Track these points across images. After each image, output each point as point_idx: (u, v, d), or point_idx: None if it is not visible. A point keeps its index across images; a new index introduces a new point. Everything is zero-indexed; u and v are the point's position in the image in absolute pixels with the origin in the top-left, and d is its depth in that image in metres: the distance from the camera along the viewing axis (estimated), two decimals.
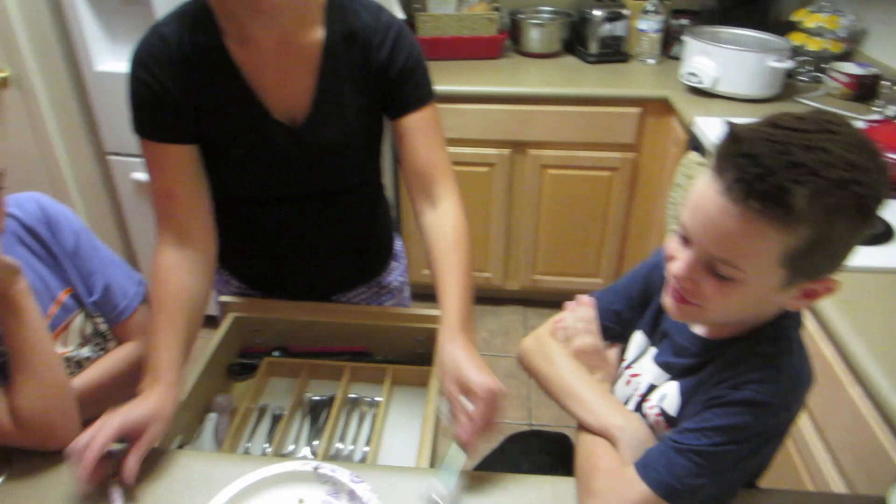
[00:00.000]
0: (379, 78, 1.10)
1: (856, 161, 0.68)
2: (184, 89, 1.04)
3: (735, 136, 0.72)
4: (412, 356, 1.26)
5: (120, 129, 2.30)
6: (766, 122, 0.73)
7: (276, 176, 1.15)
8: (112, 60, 2.23)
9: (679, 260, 0.79)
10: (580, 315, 1.05)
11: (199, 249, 1.12)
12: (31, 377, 0.92)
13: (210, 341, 1.22)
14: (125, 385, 1.11)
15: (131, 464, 0.86)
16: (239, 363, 1.26)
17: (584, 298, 1.07)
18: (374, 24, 1.09)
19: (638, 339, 1.02)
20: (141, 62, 1.04)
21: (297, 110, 1.09)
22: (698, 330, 0.90)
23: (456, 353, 0.96)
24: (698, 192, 0.75)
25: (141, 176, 2.34)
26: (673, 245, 0.81)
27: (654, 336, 0.99)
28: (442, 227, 1.13)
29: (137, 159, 2.30)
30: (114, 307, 1.11)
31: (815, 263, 0.73)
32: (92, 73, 2.21)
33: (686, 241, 0.78)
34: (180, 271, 1.07)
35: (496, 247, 2.63)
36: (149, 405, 0.92)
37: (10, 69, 2.30)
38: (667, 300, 0.84)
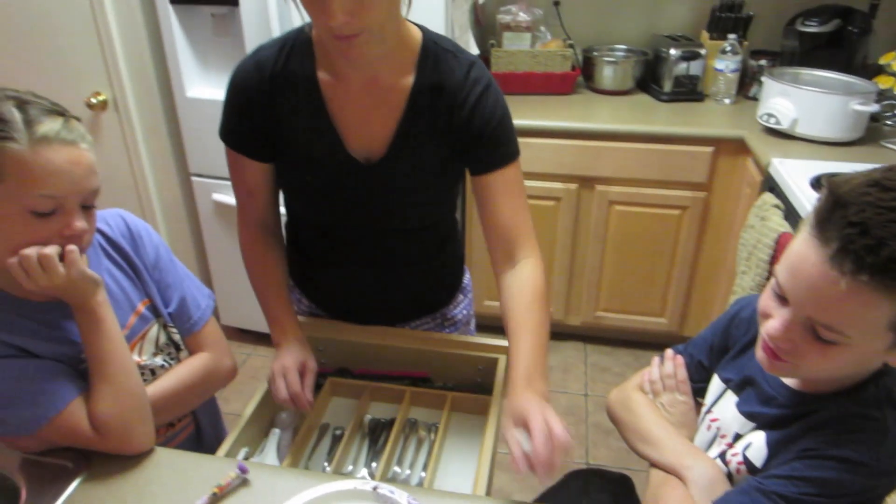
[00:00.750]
0: (461, 134, 1.10)
1: None
2: (270, 112, 1.10)
3: (839, 199, 0.68)
4: (472, 385, 1.27)
5: (205, 151, 2.42)
6: (871, 181, 0.68)
7: (347, 209, 1.18)
8: (202, 87, 2.37)
9: (775, 319, 0.76)
10: (668, 371, 1.04)
11: (276, 236, 1.28)
12: (108, 385, 0.97)
13: None
14: (197, 394, 1.16)
15: (307, 390, 1.12)
16: None
17: (670, 353, 1.07)
18: (463, 80, 1.08)
19: (716, 383, 1.00)
20: (238, 79, 1.12)
21: (373, 149, 1.11)
22: (790, 381, 0.86)
23: (522, 402, 0.92)
24: (797, 254, 0.72)
25: (221, 197, 2.45)
26: (769, 302, 0.78)
27: (735, 382, 0.96)
28: (520, 288, 1.11)
29: (219, 181, 2.43)
30: (187, 318, 1.16)
31: None
32: (183, 99, 2.35)
33: (783, 299, 0.75)
34: (268, 249, 1.25)
35: (559, 281, 2.61)
36: (296, 351, 1.17)
37: (109, 93, 2.47)
38: (759, 354, 0.81)
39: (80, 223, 0.92)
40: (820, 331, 0.71)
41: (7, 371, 0.93)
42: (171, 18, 2.23)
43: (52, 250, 0.89)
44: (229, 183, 1.22)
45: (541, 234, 2.48)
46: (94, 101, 2.45)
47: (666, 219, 2.41)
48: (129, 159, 2.58)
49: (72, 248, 0.91)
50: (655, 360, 1.07)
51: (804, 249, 0.71)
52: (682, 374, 1.03)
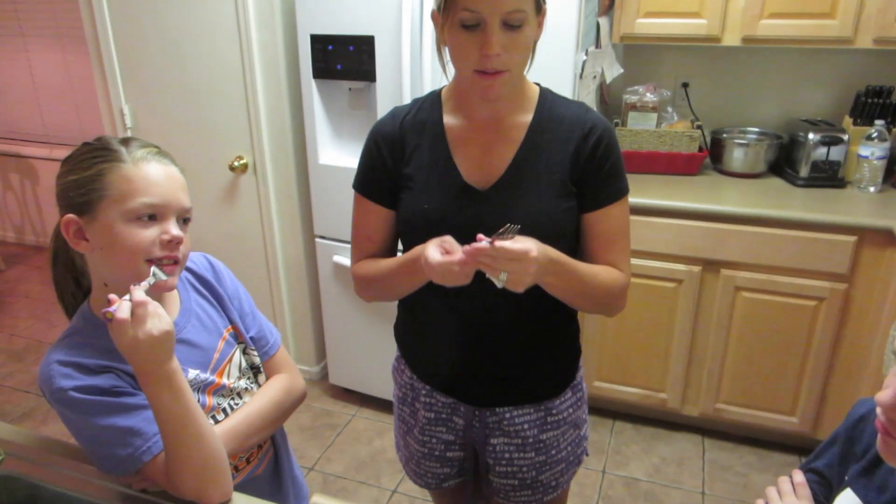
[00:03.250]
0: (581, 166, 1.17)
1: None
2: (399, 152, 1.23)
3: None
4: None
5: (331, 215, 2.54)
6: None
7: (461, 241, 1.12)
8: (335, 154, 2.51)
9: (890, 388, 0.72)
10: (786, 490, 0.96)
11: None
12: (183, 453, 0.97)
13: None
14: (283, 411, 1.22)
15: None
16: None
17: (799, 479, 0.98)
18: (584, 116, 1.19)
19: (849, 498, 0.90)
20: (376, 127, 1.28)
21: (489, 178, 1.18)
22: None
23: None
24: None
25: (341, 259, 2.55)
26: (891, 376, 0.74)
27: (872, 493, 0.86)
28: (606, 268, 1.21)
29: (340, 243, 2.54)
30: (265, 343, 1.25)
31: None
32: (316, 165, 2.49)
33: None
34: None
35: (676, 367, 2.48)
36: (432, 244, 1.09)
37: (250, 157, 2.67)
38: (878, 438, 0.77)
39: (176, 230, 1.01)
40: None
41: (106, 411, 0.97)
42: (312, 91, 2.40)
43: (123, 313, 0.90)
44: (349, 245, 1.29)
45: (659, 316, 2.41)
46: (236, 164, 2.65)
47: (800, 309, 2.24)
48: (260, 218, 2.75)
49: (141, 300, 0.92)
50: (781, 480, 0.99)
51: None
52: (805, 492, 0.94)
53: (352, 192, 1.30)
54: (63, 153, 4.17)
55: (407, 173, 1.23)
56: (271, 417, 1.18)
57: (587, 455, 1.47)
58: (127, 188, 0.98)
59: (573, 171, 1.17)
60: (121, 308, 0.90)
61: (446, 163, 1.20)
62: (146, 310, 0.90)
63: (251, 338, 1.23)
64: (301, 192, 2.70)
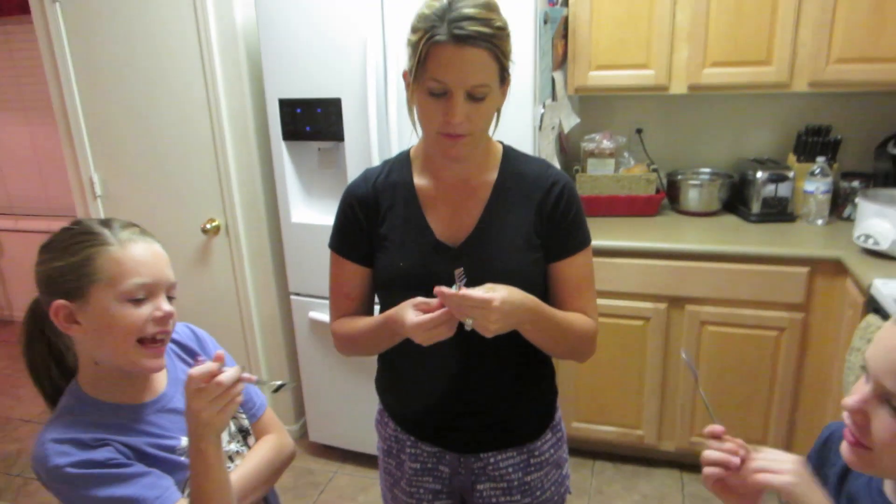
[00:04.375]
0: (545, 219, 1.25)
1: None
2: (374, 213, 1.29)
3: None
4: None
5: (305, 272, 2.58)
6: None
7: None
8: (306, 212, 2.56)
9: (856, 394, 0.78)
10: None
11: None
12: None
13: None
14: (275, 470, 1.25)
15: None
16: None
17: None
18: (545, 172, 1.28)
19: None
20: (349, 189, 1.34)
21: (460, 235, 1.25)
22: (892, 495, 0.84)
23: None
24: (884, 331, 0.77)
25: (317, 315, 2.57)
26: (857, 385, 0.80)
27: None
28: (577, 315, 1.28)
29: (316, 299, 2.57)
30: (252, 405, 1.28)
31: None
32: (288, 224, 2.54)
33: (867, 377, 0.78)
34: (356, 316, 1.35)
35: (650, 404, 2.54)
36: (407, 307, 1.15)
37: (222, 219, 2.70)
38: (843, 446, 0.82)
39: (168, 306, 1.07)
40: (892, 400, 0.73)
41: (105, 482, 1.00)
42: (282, 153, 2.46)
43: (231, 384, 0.99)
44: (325, 301, 1.35)
45: (630, 355, 2.48)
46: (208, 226, 2.68)
47: (763, 340, 2.34)
48: (234, 278, 2.77)
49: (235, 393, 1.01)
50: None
51: (891, 326, 0.76)
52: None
53: (325, 248, 1.36)
54: (28, 224, 4.14)
55: (382, 233, 1.28)
56: (264, 477, 1.21)
57: (570, 493, 1.50)
58: (118, 270, 1.02)
59: (538, 224, 1.25)
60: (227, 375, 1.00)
61: (419, 222, 1.26)
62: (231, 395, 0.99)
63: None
64: (274, 251, 2.74)
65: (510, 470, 1.36)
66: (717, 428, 0.95)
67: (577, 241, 1.27)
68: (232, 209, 2.66)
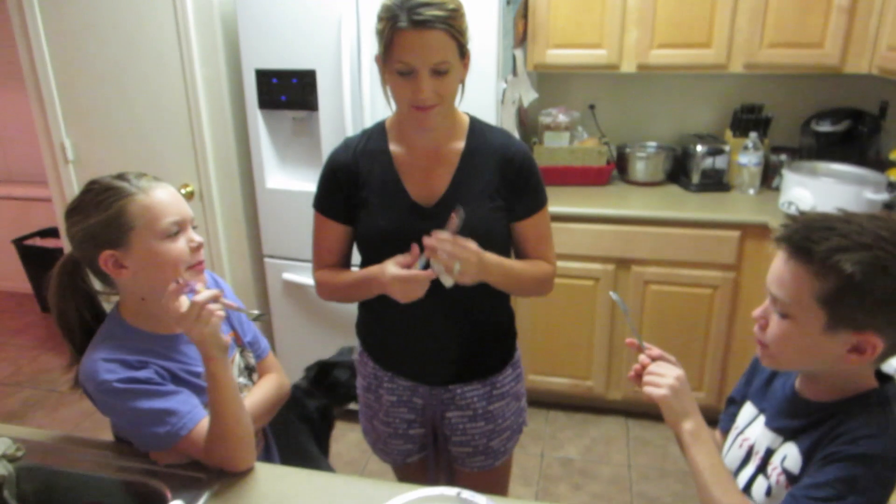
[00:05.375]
0: (508, 183, 1.42)
1: (886, 236, 0.88)
2: (354, 177, 1.44)
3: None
4: None
5: (278, 235, 2.71)
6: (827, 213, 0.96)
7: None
8: (281, 178, 2.69)
9: (760, 307, 1.03)
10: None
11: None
12: (221, 428, 1.17)
13: None
14: (275, 404, 1.42)
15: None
16: None
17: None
18: (508, 142, 1.46)
19: (748, 408, 1.18)
20: (332, 156, 1.49)
21: (433, 197, 1.41)
22: (805, 394, 1.05)
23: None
24: (776, 258, 0.99)
25: (291, 276, 2.71)
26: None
27: (763, 403, 1.14)
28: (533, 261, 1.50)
29: (290, 261, 2.71)
30: (258, 346, 1.45)
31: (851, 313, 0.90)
32: (263, 189, 2.67)
33: (769, 295, 1.01)
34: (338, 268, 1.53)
35: (599, 357, 2.78)
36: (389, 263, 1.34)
37: (196, 185, 2.81)
38: (758, 349, 1.04)
39: (197, 236, 1.21)
40: (777, 306, 0.96)
41: (146, 396, 1.16)
42: (258, 121, 2.58)
43: (213, 305, 1.12)
44: (299, 263, 1.50)
45: (581, 312, 2.73)
46: (182, 192, 2.76)
47: (699, 297, 2.60)
48: (207, 242, 2.88)
49: (214, 309, 1.13)
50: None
51: (780, 252, 0.99)
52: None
53: (299, 212, 1.53)
54: None
55: (363, 196, 1.44)
56: (266, 409, 1.38)
57: (526, 425, 1.71)
58: (150, 214, 1.16)
59: (501, 187, 1.43)
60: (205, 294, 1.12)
61: (396, 186, 1.42)
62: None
63: (248, 342, 1.42)
64: (248, 216, 2.86)
65: (475, 399, 1.56)
66: (633, 341, 1.20)
67: (536, 202, 1.47)
68: (206, 175, 2.77)
